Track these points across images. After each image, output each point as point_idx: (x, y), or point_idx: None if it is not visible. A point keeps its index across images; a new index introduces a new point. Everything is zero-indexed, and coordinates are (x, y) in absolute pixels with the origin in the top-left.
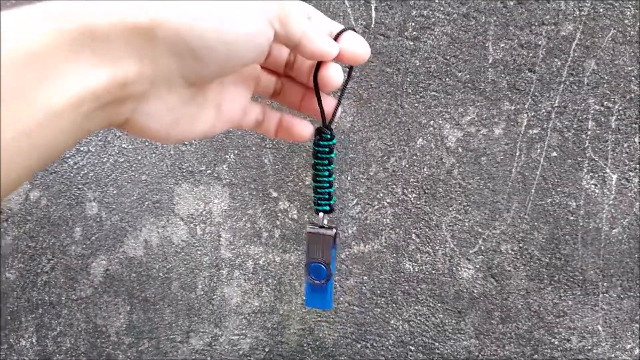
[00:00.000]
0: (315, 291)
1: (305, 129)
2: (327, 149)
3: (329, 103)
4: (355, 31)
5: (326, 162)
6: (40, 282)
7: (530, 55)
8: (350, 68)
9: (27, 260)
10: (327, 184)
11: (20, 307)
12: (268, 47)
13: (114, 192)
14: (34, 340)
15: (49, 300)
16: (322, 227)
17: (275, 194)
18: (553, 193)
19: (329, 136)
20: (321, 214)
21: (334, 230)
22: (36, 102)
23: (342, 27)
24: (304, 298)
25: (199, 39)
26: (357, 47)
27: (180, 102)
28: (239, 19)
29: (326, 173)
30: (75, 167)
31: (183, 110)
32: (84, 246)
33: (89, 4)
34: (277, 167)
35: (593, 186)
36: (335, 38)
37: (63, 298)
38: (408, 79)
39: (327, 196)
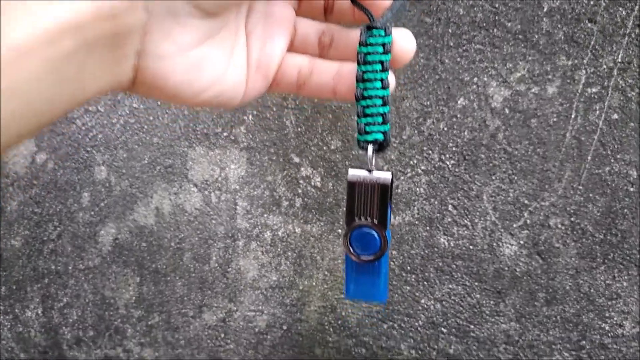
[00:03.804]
0: (360, 273)
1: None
2: (380, 48)
3: None
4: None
5: (379, 67)
6: (47, 251)
7: (591, 3)
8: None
9: (33, 227)
10: (380, 101)
11: (26, 277)
12: None
13: (124, 155)
14: (39, 312)
15: (55, 270)
16: (370, 170)
17: (297, 159)
18: (612, 160)
19: (382, 32)
20: (370, 149)
21: (390, 175)
22: None
23: None
24: (343, 284)
25: None
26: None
27: (196, 40)
28: None
29: (379, 84)
30: (83, 128)
31: (203, 51)
32: (92, 213)
33: None
34: (299, 129)
35: None
36: None
37: (70, 267)
38: (450, 30)
39: (380, 119)
